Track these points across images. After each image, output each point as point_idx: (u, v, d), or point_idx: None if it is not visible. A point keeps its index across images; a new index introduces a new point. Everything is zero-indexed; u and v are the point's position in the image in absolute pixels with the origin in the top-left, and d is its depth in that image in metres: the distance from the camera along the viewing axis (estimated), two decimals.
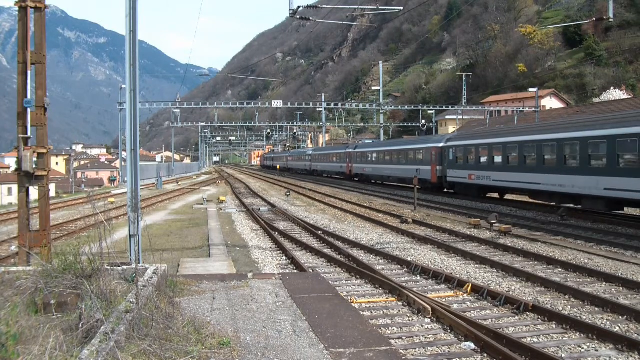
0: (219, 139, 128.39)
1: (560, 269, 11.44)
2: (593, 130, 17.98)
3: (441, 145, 30.61)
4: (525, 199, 24.90)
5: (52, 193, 52.24)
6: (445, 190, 31.10)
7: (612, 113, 24.24)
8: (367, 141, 59.75)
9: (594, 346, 6.94)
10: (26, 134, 9.01)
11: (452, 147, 28.94)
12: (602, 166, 17.40)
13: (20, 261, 9.09)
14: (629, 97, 59.67)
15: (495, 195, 26.92)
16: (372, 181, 43.93)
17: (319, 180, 52.88)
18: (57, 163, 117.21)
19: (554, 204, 20.98)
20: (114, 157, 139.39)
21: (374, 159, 42.83)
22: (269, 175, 70.58)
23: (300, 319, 6.60)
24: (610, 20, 31.12)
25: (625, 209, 18.90)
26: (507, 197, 26.33)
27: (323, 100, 69.26)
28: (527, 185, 21.82)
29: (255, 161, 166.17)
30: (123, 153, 52.56)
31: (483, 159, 25.37)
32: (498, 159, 24.14)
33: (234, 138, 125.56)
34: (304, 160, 67.58)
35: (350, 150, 48.39)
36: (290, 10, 20.01)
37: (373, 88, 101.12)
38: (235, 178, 66.08)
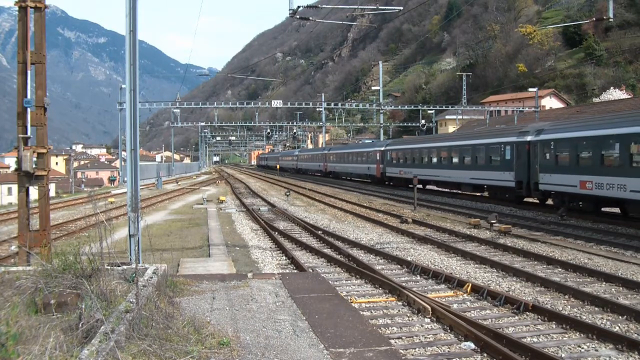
0: (218, 138, 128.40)
1: (560, 269, 11.44)
2: (471, 140, 28.23)
3: (382, 149, 39.64)
4: (524, 198, 24.90)
5: (52, 193, 52.21)
6: (386, 182, 39.83)
7: (484, 128, 35.83)
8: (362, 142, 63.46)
9: (593, 346, 6.94)
10: (26, 133, 9.02)
11: (389, 151, 38.24)
12: (470, 164, 27.22)
13: (20, 261, 9.09)
14: (629, 97, 59.68)
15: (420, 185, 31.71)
16: (343, 177, 51.59)
17: (317, 180, 53.02)
18: (57, 163, 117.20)
19: (447, 189, 29.23)
20: (113, 157, 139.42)
21: (340, 159, 51.69)
22: (269, 175, 70.61)
23: (300, 319, 6.60)
24: (610, 20, 31.16)
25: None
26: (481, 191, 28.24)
27: (323, 100, 69.24)
28: (433, 177, 31.73)
29: (255, 161, 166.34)
30: (123, 153, 52.56)
31: (408, 160, 35.07)
32: (417, 160, 33.69)
33: (233, 138, 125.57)
34: (292, 160, 75.71)
35: (326, 152, 57.62)
36: (290, 10, 20.01)
37: (373, 88, 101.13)
38: (235, 178, 66.08)
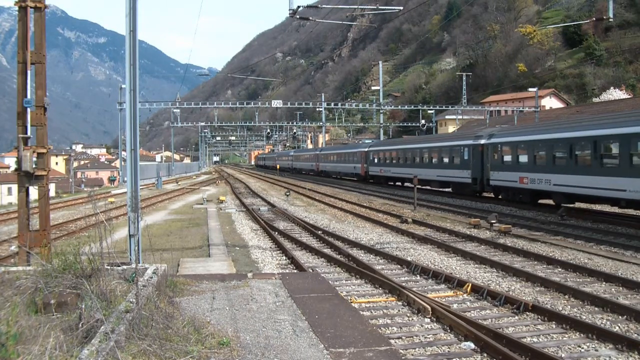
0: (218, 138, 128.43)
1: (560, 269, 11.44)
2: (437, 142, 32.35)
3: (366, 150, 43.94)
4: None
5: (52, 193, 52.21)
6: (370, 180, 43.45)
7: (448, 133, 44.38)
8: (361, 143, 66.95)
9: (593, 346, 6.94)
10: (26, 133, 9.02)
11: (371, 152, 42.61)
12: (436, 164, 31.12)
13: (20, 261, 9.09)
14: (629, 97, 59.68)
15: (399, 183, 39.34)
16: (333, 176, 55.31)
17: (317, 180, 53.10)
18: (57, 163, 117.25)
19: (421, 186, 30.97)
20: (113, 157, 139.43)
21: (330, 159, 55.95)
22: (268, 174, 70.66)
23: (300, 319, 6.60)
24: (610, 20, 31.19)
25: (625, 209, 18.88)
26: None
27: (323, 100, 69.26)
28: (407, 175, 34.84)
29: (254, 161, 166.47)
30: (123, 153, 52.56)
31: (387, 160, 39.25)
32: (394, 160, 37.84)
33: (233, 138, 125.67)
34: (288, 160, 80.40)
35: (317, 153, 62.10)
36: (290, 10, 20.01)
37: (373, 88, 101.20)
38: (235, 178, 66.07)
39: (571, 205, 20.40)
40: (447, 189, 30.93)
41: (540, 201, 22.54)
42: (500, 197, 25.26)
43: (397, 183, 39.33)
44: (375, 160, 41.62)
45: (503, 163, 23.97)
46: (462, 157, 27.70)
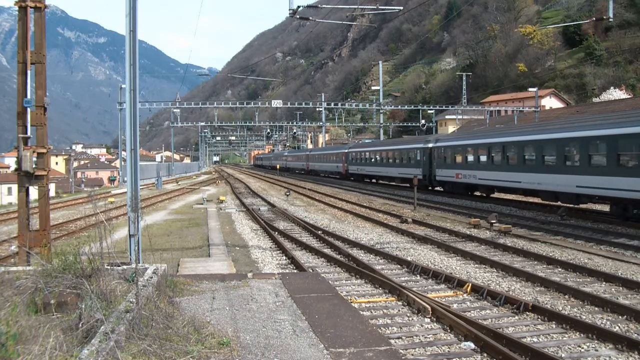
0: (218, 138, 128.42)
1: (560, 269, 11.44)
2: (399, 145, 38.41)
3: (346, 151, 49.80)
4: (523, 198, 25.10)
5: (52, 193, 52.19)
6: (351, 178, 48.32)
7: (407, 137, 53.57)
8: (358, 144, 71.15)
9: (593, 346, 6.94)
10: (26, 133, 9.02)
11: (350, 153, 48.47)
12: (398, 163, 37.07)
13: (20, 261, 9.09)
14: (629, 97, 59.66)
15: (374, 180, 44.95)
16: (321, 175, 60.55)
17: (317, 180, 53.20)
18: (57, 163, 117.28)
19: (394, 183, 38.58)
20: (113, 157, 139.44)
21: (318, 159, 61.99)
22: (268, 174, 70.75)
23: (300, 319, 6.60)
24: (610, 20, 31.19)
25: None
26: (472, 191, 31.05)
27: (323, 100, 69.25)
28: (376, 173, 42.29)
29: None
30: (123, 153, 52.56)
31: (362, 160, 45.27)
32: (367, 160, 44.07)
33: (233, 138, 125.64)
34: (283, 161, 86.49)
35: (308, 153, 69.36)
36: (290, 10, 20.00)
37: (373, 88, 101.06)
38: (235, 178, 66.07)
39: (571, 205, 20.50)
40: (405, 184, 36.21)
41: (472, 192, 28.47)
42: (443, 189, 31.16)
43: (373, 180, 45.43)
44: (354, 161, 47.52)
45: (445, 162, 29.90)
46: (416, 158, 33.90)
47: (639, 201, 16.47)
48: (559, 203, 20.75)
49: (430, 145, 31.86)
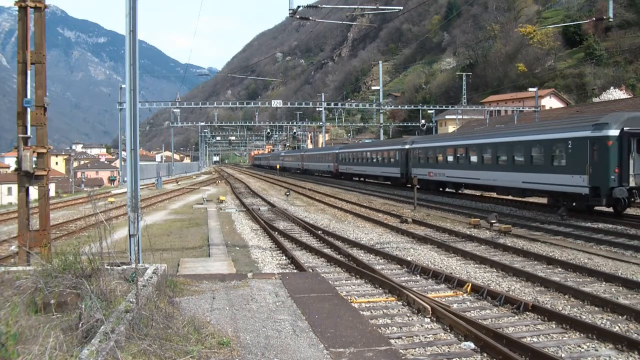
0: (218, 138, 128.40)
1: (560, 269, 11.44)
2: (379, 147, 42.68)
3: (337, 152, 54.00)
4: (523, 198, 25.15)
5: (52, 193, 52.18)
6: (341, 177, 52.20)
7: (386, 139, 63.25)
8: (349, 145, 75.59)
9: (593, 346, 6.94)
10: (26, 133, 9.02)
11: (340, 153, 52.66)
12: (380, 163, 41.18)
13: (20, 261, 9.09)
14: (629, 97, 59.65)
15: (359, 178, 49.41)
16: (315, 174, 64.20)
17: (317, 180, 53.27)
18: (56, 163, 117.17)
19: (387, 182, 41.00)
20: (113, 157, 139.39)
21: (311, 160, 66.52)
22: (268, 174, 70.79)
23: (300, 319, 6.60)
24: (610, 20, 31.21)
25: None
26: (468, 191, 32.90)
27: (323, 100, 69.25)
28: (361, 172, 47.10)
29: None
30: (123, 153, 52.54)
31: (350, 160, 49.51)
32: (355, 160, 48.03)
33: (233, 138, 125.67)
34: (280, 161, 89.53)
35: (302, 154, 74.43)
36: (290, 10, 20.00)
37: (373, 88, 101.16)
38: (235, 178, 66.08)
39: (571, 206, 20.52)
40: (387, 182, 40.95)
41: (441, 189, 31.90)
42: (418, 186, 33.07)
43: (362, 179, 49.15)
44: (343, 161, 51.67)
45: (419, 162, 33.44)
46: (395, 158, 37.51)
47: (566, 194, 19.83)
48: (509, 197, 24.91)
49: (407, 147, 35.40)
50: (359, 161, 46.90)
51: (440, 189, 31.78)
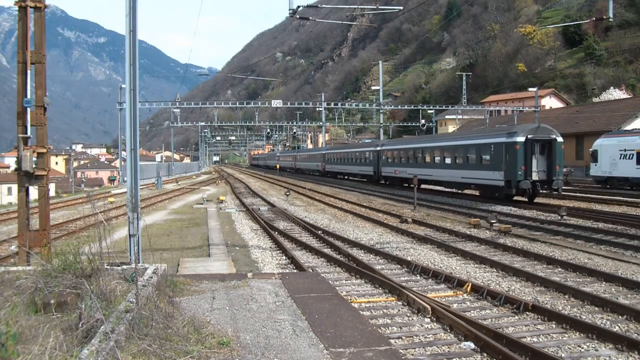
0: (218, 138, 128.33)
1: (560, 269, 11.44)
2: (357, 148, 49.42)
3: (324, 152, 59.96)
4: (522, 198, 25.21)
5: (52, 193, 52.16)
6: (328, 175, 57.36)
7: (360, 142, 71.07)
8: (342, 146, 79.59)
9: (593, 346, 6.94)
10: (26, 133, 9.02)
11: (326, 154, 58.45)
12: (357, 163, 46.96)
13: (20, 261, 9.09)
14: (629, 96, 59.62)
15: (341, 176, 53.99)
16: (306, 173, 69.22)
17: (317, 180, 53.30)
18: (56, 163, 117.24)
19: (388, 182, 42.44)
20: (113, 157, 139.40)
21: (303, 160, 72.99)
22: (268, 174, 70.87)
23: (300, 319, 6.60)
24: (610, 20, 31.20)
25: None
26: (466, 191, 34.37)
27: (323, 99, 69.21)
28: (342, 170, 52.50)
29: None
30: (123, 153, 52.52)
31: (334, 160, 54.97)
32: (338, 160, 53.40)
33: (233, 138, 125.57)
34: (276, 161, 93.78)
35: (295, 154, 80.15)
36: (290, 9, 20.01)
37: (373, 88, 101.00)
38: (235, 178, 66.09)
39: (572, 206, 20.62)
40: (364, 179, 45.79)
41: (405, 184, 36.16)
42: (387, 182, 40.37)
43: (346, 177, 53.14)
44: (329, 160, 57.31)
45: (387, 162, 39.04)
46: (369, 159, 43.19)
47: (490, 186, 24.83)
48: (453, 190, 30.06)
49: (378, 148, 41.11)
50: (341, 161, 52.52)
51: (405, 185, 36.30)
